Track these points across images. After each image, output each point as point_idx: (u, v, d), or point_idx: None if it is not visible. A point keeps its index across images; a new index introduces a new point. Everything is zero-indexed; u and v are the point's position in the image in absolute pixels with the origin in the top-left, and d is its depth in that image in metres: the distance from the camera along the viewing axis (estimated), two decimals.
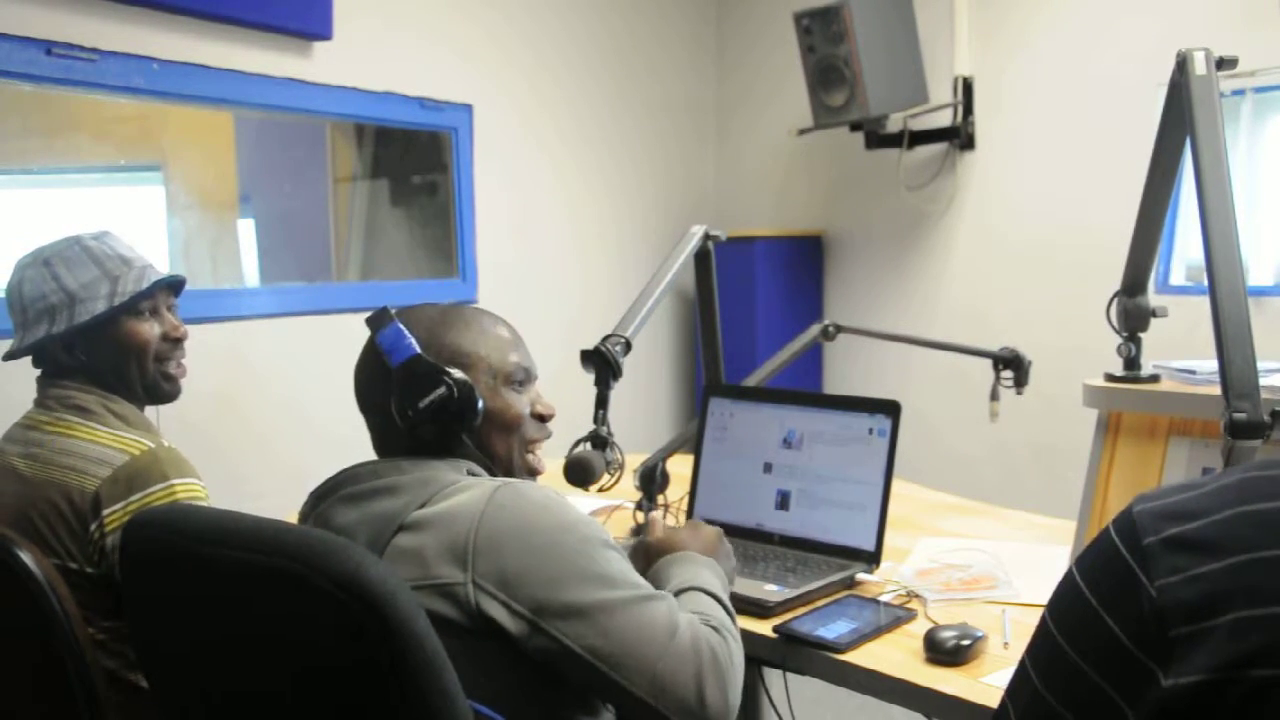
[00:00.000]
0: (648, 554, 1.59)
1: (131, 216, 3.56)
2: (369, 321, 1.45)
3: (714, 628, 1.35)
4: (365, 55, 3.88)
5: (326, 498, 1.37)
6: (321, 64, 3.76)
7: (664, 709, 1.24)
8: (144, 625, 1.32)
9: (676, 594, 1.44)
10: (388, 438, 1.45)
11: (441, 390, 1.40)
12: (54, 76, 3.09)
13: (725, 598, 1.47)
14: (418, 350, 1.42)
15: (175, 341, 1.94)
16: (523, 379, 1.51)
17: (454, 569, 1.23)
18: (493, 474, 1.45)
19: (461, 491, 1.31)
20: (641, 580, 1.31)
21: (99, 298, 1.83)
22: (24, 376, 1.92)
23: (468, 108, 4.28)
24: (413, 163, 4.43)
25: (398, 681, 1.06)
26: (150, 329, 1.90)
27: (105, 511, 1.69)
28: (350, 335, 4.00)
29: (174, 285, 1.96)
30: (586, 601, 1.24)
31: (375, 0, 3.91)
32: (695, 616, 1.35)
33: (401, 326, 1.43)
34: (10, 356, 1.87)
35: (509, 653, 1.24)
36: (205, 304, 3.42)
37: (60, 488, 1.72)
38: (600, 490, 1.82)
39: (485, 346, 1.49)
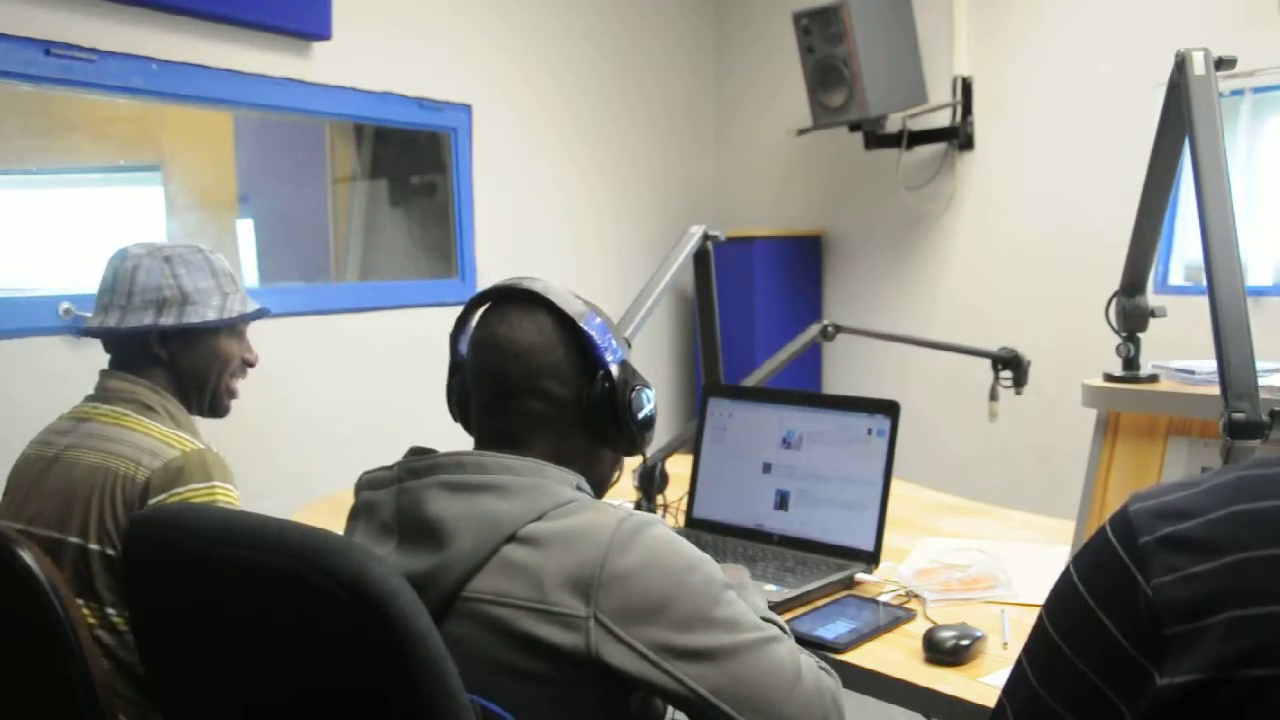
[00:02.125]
0: None
1: (130, 217, 3.56)
2: (563, 306, 1.39)
3: (824, 669, 1.33)
4: (364, 55, 3.88)
5: (420, 476, 1.30)
6: (320, 64, 3.76)
7: None
8: (147, 624, 1.32)
9: None
10: (531, 425, 1.37)
11: (650, 403, 1.43)
12: (52, 76, 3.09)
13: (774, 616, 1.45)
14: (624, 355, 1.42)
15: (247, 365, 2.08)
16: None
17: (575, 600, 1.19)
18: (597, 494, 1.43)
19: (580, 513, 1.26)
20: (762, 621, 1.28)
21: (210, 306, 1.94)
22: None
23: (467, 108, 4.28)
24: (412, 163, 4.42)
25: (400, 681, 1.06)
26: (238, 348, 2.04)
27: (152, 501, 1.75)
28: (350, 335, 4.02)
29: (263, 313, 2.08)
30: (714, 645, 1.21)
31: (374, 1, 3.91)
32: (813, 658, 1.33)
33: (602, 320, 1.41)
34: (102, 335, 1.95)
35: (603, 684, 1.21)
36: None
37: (113, 474, 1.77)
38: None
39: None
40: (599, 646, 1.18)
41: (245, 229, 3.88)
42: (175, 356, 1.95)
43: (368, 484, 1.35)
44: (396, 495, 1.30)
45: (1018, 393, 2.61)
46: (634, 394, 1.39)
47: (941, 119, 4.45)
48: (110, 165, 3.49)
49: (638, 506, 2.32)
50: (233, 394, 2.06)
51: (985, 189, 4.42)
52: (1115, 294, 2.02)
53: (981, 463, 4.33)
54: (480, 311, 1.44)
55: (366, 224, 4.37)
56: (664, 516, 2.31)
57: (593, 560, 1.20)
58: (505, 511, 1.25)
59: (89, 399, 1.93)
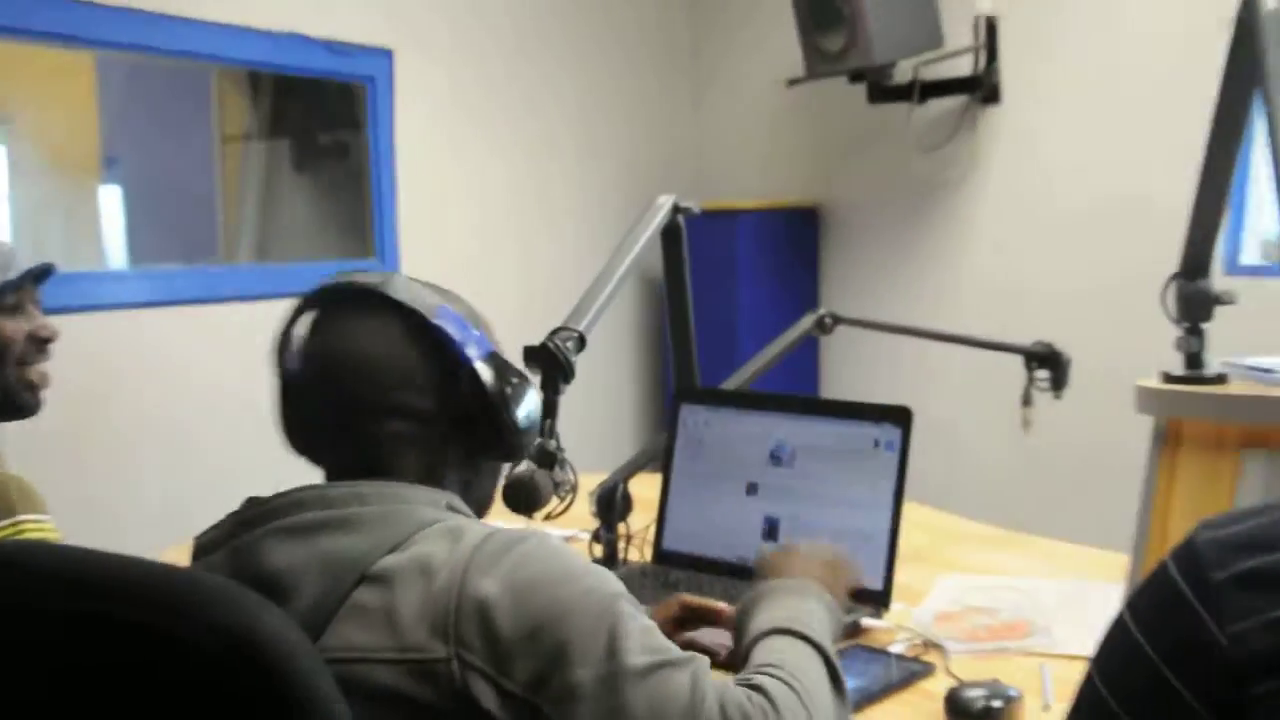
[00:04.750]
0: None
1: None
2: (407, 301, 1.38)
3: (782, 680, 1.27)
4: None
5: (255, 525, 1.29)
6: None
7: None
8: None
9: (759, 637, 1.37)
10: (392, 448, 1.38)
11: (531, 399, 1.42)
12: None
13: (827, 642, 1.38)
14: (493, 346, 1.41)
15: (43, 343, 1.94)
16: None
17: (434, 639, 1.19)
18: (480, 512, 1.44)
19: (440, 537, 1.26)
20: (660, 642, 1.25)
21: None
22: None
23: (386, 53, 4.27)
24: (319, 119, 4.42)
25: None
26: (15, 326, 1.90)
27: None
28: (242, 329, 3.97)
29: (41, 274, 1.96)
30: (593, 677, 1.19)
31: None
32: (731, 683, 1.26)
33: (456, 312, 1.41)
34: None
35: None
36: (57, 291, 3.37)
37: None
38: (548, 518, 1.82)
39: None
40: (469, 692, 1.18)
41: (110, 197, 3.86)
42: None
43: (200, 549, 1.35)
44: (230, 556, 1.29)
45: (1057, 396, 2.62)
46: (510, 390, 1.40)
47: (961, 66, 4.48)
48: None
49: (595, 537, 2.30)
50: (31, 383, 1.92)
51: (1014, 150, 4.45)
52: (1173, 276, 2.02)
53: (1014, 481, 4.34)
54: (309, 319, 1.43)
55: (263, 193, 4.36)
56: (626, 548, 2.30)
57: (448, 588, 1.20)
58: (352, 549, 1.25)
59: None
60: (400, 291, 1.38)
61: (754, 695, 1.22)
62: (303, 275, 4.47)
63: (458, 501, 1.36)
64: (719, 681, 1.24)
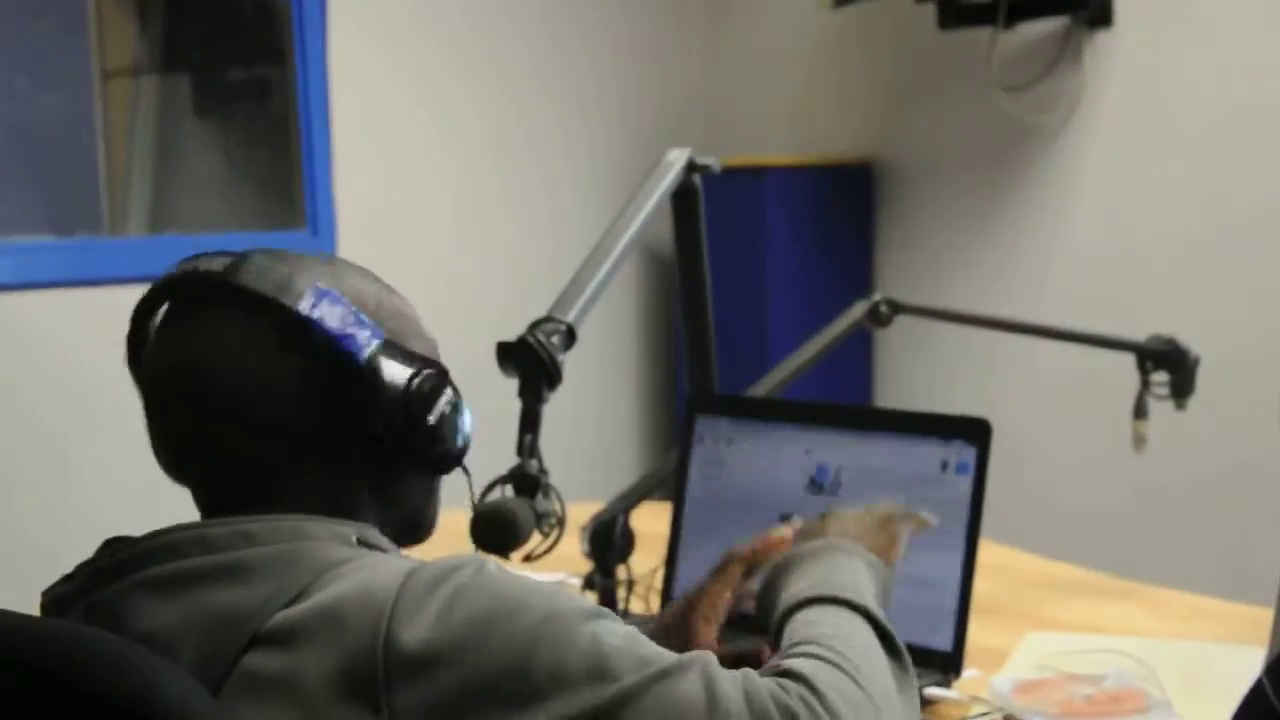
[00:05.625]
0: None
1: None
2: (266, 289, 1.36)
3: (819, 657, 1.26)
4: None
5: (117, 578, 1.30)
6: None
7: None
8: None
9: (786, 614, 1.39)
10: (269, 477, 1.38)
11: (448, 395, 1.41)
12: None
13: (873, 603, 1.39)
14: (384, 335, 1.39)
15: None
16: None
17: (356, 711, 1.19)
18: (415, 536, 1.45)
19: (353, 575, 1.26)
20: (651, 650, 1.25)
21: None
22: None
23: None
24: (230, 48, 4.41)
25: None
26: None
27: None
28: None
29: None
30: (579, 715, 1.19)
31: None
32: (757, 675, 1.25)
33: (339, 294, 1.38)
34: None
35: None
36: None
37: None
38: (528, 559, 1.82)
39: (425, 338, 1.48)
40: None
41: None
42: None
43: (46, 608, 1.35)
44: (84, 618, 1.29)
45: (1179, 406, 2.61)
46: (414, 384, 1.38)
47: None
48: None
49: (588, 583, 2.31)
50: None
51: (1131, 90, 4.44)
52: None
53: (1121, 515, 4.34)
54: (158, 319, 1.43)
55: (159, 144, 4.34)
56: (628, 598, 2.30)
57: (368, 641, 1.20)
58: (239, 604, 1.24)
59: None
60: (253, 277, 1.36)
61: (787, 682, 1.22)
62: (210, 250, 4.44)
63: (372, 534, 1.36)
64: (737, 673, 1.23)
